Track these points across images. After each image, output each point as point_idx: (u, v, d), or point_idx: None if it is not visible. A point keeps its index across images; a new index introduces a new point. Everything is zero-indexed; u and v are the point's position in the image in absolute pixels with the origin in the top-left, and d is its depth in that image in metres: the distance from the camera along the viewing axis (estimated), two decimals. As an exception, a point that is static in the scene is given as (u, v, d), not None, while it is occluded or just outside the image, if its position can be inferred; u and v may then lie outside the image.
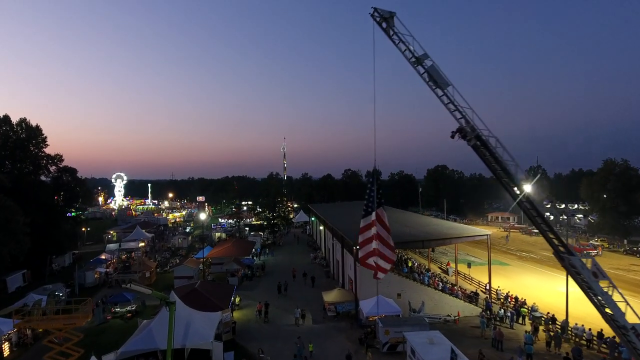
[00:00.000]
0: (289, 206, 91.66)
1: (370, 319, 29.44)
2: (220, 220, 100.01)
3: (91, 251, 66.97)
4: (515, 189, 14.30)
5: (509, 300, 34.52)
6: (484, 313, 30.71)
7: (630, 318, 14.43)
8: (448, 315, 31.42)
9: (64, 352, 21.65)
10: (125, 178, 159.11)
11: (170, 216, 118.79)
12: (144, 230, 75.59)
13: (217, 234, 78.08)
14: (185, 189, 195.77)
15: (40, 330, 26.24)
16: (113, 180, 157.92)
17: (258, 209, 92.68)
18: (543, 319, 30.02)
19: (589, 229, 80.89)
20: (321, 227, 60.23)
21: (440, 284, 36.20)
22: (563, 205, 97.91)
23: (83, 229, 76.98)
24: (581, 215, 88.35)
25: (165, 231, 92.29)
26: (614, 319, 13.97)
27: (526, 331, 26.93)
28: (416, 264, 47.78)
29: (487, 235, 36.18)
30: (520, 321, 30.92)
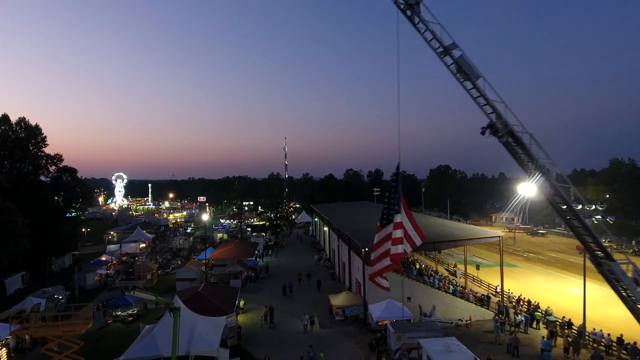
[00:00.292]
0: (291, 206, 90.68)
1: (380, 323, 28.52)
2: (221, 220, 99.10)
3: (91, 252, 66.04)
4: (550, 188, 13.33)
5: (521, 303, 33.56)
6: (497, 317, 29.76)
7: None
8: (460, 320, 30.46)
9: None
10: (125, 178, 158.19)
11: (171, 217, 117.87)
12: (144, 231, 74.79)
13: (219, 235, 77.21)
14: (186, 189, 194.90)
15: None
16: (113, 181, 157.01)
17: (260, 210, 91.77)
18: (558, 323, 29.03)
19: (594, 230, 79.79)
20: (325, 228, 59.27)
21: (451, 286, 35.25)
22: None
23: (83, 230, 76.06)
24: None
25: (166, 232, 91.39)
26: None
27: (543, 337, 25.99)
28: (423, 265, 46.84)
29: (499, 236, 35.21)
30: (534, 325, 29.94)
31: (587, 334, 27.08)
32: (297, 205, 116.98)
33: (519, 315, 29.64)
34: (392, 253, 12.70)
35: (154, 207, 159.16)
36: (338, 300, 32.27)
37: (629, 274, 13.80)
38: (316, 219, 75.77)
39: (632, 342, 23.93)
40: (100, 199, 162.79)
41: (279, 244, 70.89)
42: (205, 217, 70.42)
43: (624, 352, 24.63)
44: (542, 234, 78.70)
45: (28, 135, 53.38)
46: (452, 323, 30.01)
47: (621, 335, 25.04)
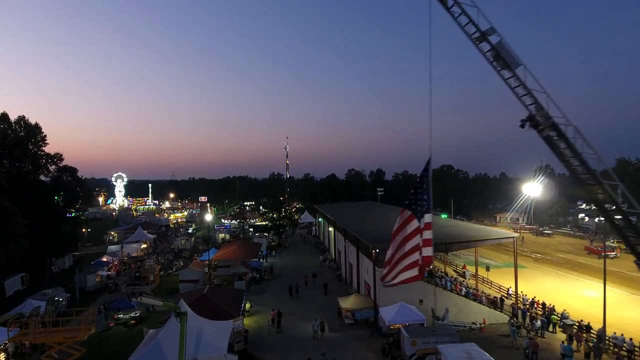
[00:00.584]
0: (294, 206, 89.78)
1: (392, 327, 27.55)
2: (223, 220, 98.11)
3: (92, 253, 65.09)
4: (596, 186, 12.35)
5: (535, 306, 32.61)
6: (513, 321, 28.82)
7: None
8: (473, 323, 29.52)
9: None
10: (125, 178, 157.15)
11: (172, 217, 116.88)
12: (145, 232, 73.85)
13: (221, 235, 76.27)
14: (186, 189, 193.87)
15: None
16: (113, 180, 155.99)
17: (263, 210, 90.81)
18: (576, 327, 28.07)
19: (598, 230, 79.07)
20: (330, 229, 58.28)
21: (463, 289, 34.30)
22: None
23: (83, 230, 75.10)
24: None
25: (167, 232, 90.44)
26: None
27: (563, 341, 25.02)
28: (431, 267, 45.84)
29: (513, 237, 34.28)
30: (550, 329, 28.99)
31: (607, 338, 26.12)
32: (299, 205, 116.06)
33: (537, 321, 28.48)
34: (424, 255, 11.73)
35: (154, 207, 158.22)
36: (347, 303, 31.32)
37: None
38: (320, 219, 74.78)
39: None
40: (101, 199, 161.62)
41: (282, 244, 69.96)
42: (208, 217, 69.35)
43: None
44: (548, 234, 77.71)
45: (28, 134, 52.41)
46: (465, 326, 29.08)
47: (644, 339, 24.15)
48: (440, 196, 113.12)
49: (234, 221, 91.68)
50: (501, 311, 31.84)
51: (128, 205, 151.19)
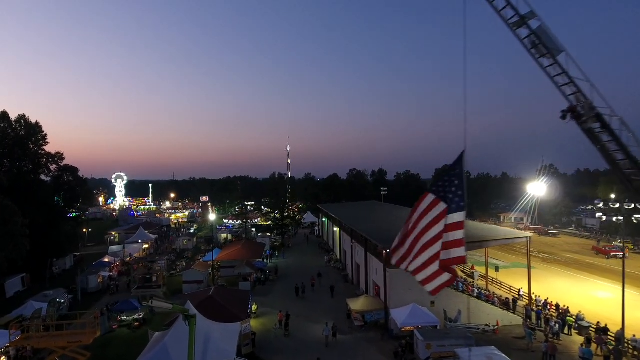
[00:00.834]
0: (297, 207, 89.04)
1: (404, 329, 26.82)
2: (224, 220, 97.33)
3: (93, 253, 64.28)
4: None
5: (549, 307, 31.87)
6: (528, 323, 28.08)
7: None
8: (486, 325, 28.74)
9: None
10: (125, 178, 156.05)
11: (173, 217, 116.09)
12: (147, 232, 73.08)
13: (223, 235, 75.49)
14: (187, 189, 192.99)
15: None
16: (113, 181, 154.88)
17: (266, 210, 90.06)
18: (592, 329, 27.33)
19: (603, 230, 78.48)
20: (335, 229, 57.50)
21: (475, 290, 33.55)
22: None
23: (84, 230, 74.32)
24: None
25: (169, 232, 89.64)
26: None
27: (582, 344, 24.25)
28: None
29: (526, 237, 33.54)
30: (565, 331, 28.25)
31: (626, 340, 25.36)
32: (301, 205, 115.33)
33: (555, 325, 27.52)
34: (444, 258, 10.96)
35: (155, 207, 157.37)
36: (357, 304, 30.54)
37: None
38: (324, 219, 73.99)
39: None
40: (101, 199, 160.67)
41: (286, 244, 69.21)
42: (212, 216, 68.49)
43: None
44: (554, 234, 77.01)
45: (28, 133, 51.62)
46: (479, 329, 28.30)
47: (665, 342, 23.40)
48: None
49: (236, 221, 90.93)
50: (514, 313, 31.11)
51: (129, 205, 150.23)
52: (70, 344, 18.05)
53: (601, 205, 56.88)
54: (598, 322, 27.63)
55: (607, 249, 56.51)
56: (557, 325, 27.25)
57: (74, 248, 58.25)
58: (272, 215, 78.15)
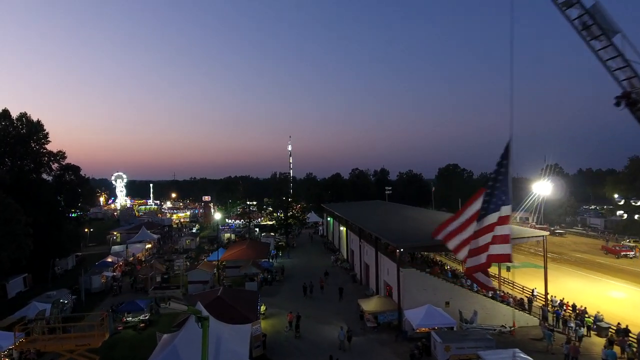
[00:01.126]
0: (300, 206, 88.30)
1: (419, 331, 26.05)
2: (227, 220, 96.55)
3: (95, 253, 63.53)
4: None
5: (565, 308, 31.10)
6: (546, 324, 27.31)
7: None
8: (502, 326, 27.98)
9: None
10: (125, 178, 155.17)
11: (175, 217, 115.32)
12: (149, 231, 72.32)
13: (226, 235, 74.73)
14: (187, 189, 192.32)
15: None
16: (113, 181, 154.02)
17: (270, 209, 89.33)
18: (612, 330, 26.55)
19: (609, 229, 77.88)
20: (342, 228, 56.71)
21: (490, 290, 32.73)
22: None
23: (86, 230, 73.56)
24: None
25: (171, 232, 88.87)
26: None
27: (604, 346, 23.50)
28: (447, 267, 44.42)
29: (543, 236, 32.79)
30: (584, 332, 27.44)
31: (649, 342, 24.58)
32: (304, 205, 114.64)
33: (580, 328, 26.54)
34: (492, 253, 10.23)
35: (155, 207, 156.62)
36: (370, 305, 29.76)
37: None
38: (329, 219, 73.19)
39: None
40: (101, 199, 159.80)
41: (290, 244, 68.47)
42: (217, 216, 67.67)
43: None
44: (561, 234, 76.26)
45: (29, 132, 50.85)
46: (495, 330, 27.52)
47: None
48: (445, 196, 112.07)
49: (238, 221, 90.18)
50: (529, 313, 30.37)
51: (130, 205, 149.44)
52: (78, 347, 17.25)
53: (622, 202, 56.08)
54: (619, 323, 26.82)
55: (617, 248, 55.74)
56: (582, 329, 26.26)
57: (76, 248, 57.51)
58: (276, 214, 77.39)
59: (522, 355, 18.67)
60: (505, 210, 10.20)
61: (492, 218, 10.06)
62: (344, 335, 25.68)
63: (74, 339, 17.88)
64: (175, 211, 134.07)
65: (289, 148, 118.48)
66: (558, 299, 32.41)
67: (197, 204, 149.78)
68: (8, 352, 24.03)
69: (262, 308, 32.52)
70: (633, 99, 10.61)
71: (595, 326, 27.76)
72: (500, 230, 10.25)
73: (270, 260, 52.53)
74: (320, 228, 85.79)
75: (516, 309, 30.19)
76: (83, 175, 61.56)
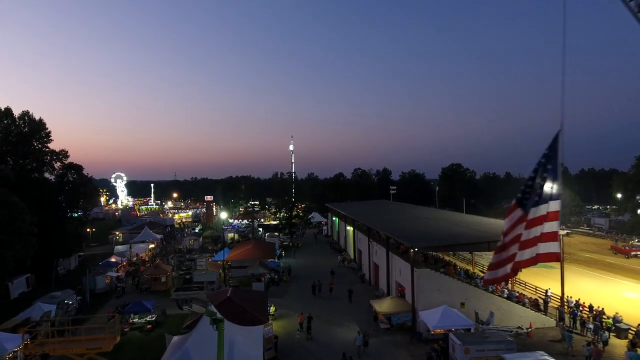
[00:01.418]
0: (304, 206, 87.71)
1: (434, 332, 25.39)
2: (230, 220, 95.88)
3: (97, 253, 62.89)
4: None
5: (581, 308, 30.41)
6: (565, 325, 26.63)
7: None
8: (519, 328, 27.31)
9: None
10: (125, 178, 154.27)
11: (177, 217, 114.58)
12: (152, 231, 71.65)
13: (230, 235, 74.03)
14: (189, 189, 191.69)
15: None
16: (113, 181, 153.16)
17: (274, 209, 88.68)
18: (633, 331, 25.88)
19: (614, 229, 77.21)
20: (349, 228, 56.02)
21: (505, 290, 32.12)
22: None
23: (88, 230, 72.81)
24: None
25: (174, 232, 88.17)
26: None
27: (628, 348, 22.84)
28: (458, 267, 43.70)
29: (560, 235, 32.01)
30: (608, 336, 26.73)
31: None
32: (307, 205, 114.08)
33: (605, 332, 25.75)
34: (540, 252, 9.55)
35: (157, 207, 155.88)
36: (383, 306, 29.07)
37: None
38: (334, 218, 72.50)
39: None
40: (102, 199, 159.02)
41: (295, 244, 67.80)
42: (223, 215, 66.94)
43: None
44: (567, 234, 75.52)
45: (32, 130, 50.18)
46: (512, 331, 26.86)
47: None
48: (448, 195, 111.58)
49: (241, 221, 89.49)
50: (545, 314, 29.71)
51: (132, 205, 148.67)
52: (89, 350, 16.55)
53: (629, 202, 55.39)
54: (639, 325, 26.20)
55: (627, 248, 55.08)
56: (605, 333, 25.44)
57: (78, 248, 56.79)
58: (280, 214, 76.73)
59: (548, 357, 18.02)
60: (554, 205, 9.52)
61: (541, 210, 9.37)
62: (361, 340, 24.74)
63: (85, 342, 17.20)
64: (176, 211, 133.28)
65: (291, 148, 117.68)
66: (574, 300, 31.74)
67: (198, 204, 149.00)
68: (13, 354, 23.37)
69: (272, 309, 31.87)
70: None
71: (614, 327, 27.10)
72: (549, 227, 9.58)
73: (277, 260, 51.84)
74: (325, 228, 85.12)
75: (532, 309, 29.53)
76: (85, 174, 60.89)
